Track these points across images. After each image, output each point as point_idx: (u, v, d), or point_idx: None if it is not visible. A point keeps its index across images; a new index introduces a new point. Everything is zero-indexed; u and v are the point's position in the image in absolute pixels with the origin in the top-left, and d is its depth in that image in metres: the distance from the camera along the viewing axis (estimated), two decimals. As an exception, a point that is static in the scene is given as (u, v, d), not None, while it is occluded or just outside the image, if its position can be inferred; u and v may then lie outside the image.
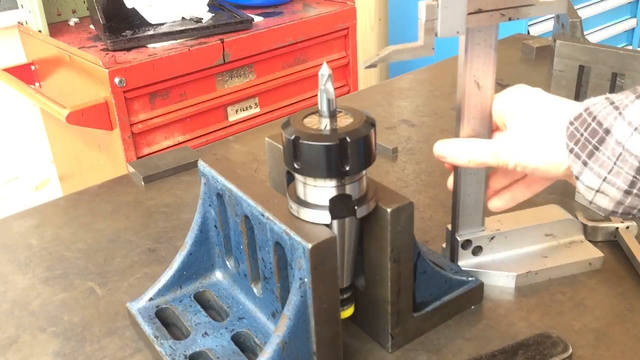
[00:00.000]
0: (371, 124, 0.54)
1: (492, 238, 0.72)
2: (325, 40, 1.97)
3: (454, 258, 0.72)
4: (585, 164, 0.53)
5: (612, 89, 0.92)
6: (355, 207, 0.55)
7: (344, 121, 0.54)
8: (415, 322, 0.63)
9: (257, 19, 1.86)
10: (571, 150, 0.54)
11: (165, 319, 0.66)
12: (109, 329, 0.68)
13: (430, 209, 0.86)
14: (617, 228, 0.76)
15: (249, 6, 2.01)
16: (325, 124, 0.54)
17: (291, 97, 1.95)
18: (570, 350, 0.59)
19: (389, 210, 0.56)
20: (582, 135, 0.53)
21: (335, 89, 0.54)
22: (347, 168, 0.53)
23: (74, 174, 2.09)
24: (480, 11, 0.58)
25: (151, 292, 0.67)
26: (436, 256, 0.72)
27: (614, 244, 0.76)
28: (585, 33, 1.24)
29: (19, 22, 1.90)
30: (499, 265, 0.72)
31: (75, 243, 0.84)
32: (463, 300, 0.67)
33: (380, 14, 2.85)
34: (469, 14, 0.57)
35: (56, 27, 1.90)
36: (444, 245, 0.75)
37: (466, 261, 0.72)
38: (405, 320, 0.62)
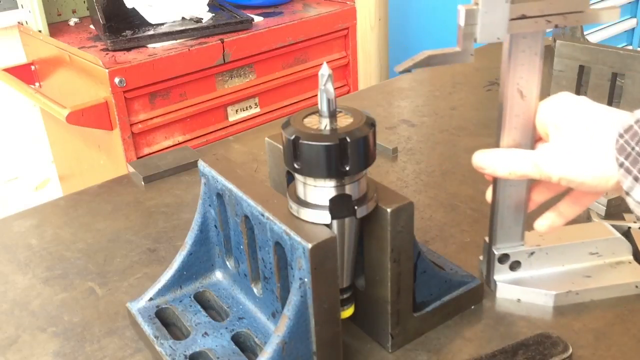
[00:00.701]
0: (371, 124, 0.54)
1: (531, 254, 0.69)
2: (325, 40, 1.97)
3: (490, 272, 0.69)
4: (636, 179, 0.50)
5: (612, 89, 0.92)
6: (355, 207, 0.55)
7: (344, 121, 0.54)
8: (415, 322, 0.63)
9: (257, 19, 1.86)
10: (621, 165, 0.51)
11: (165, 319, 0.66)
12: (109, 329, 0.68)
13: (430, 209, 0.86)
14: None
15: (249, 6, 2.01)
16: (325, 124, 0.54)
17: (291, 97, 1.95)
18: (570, 350, 0.59)
19: (389, 210, 0.56)
20: (633, 149, 0.50)
21: (335, 89, 0.54)
22: (347, 168, 0.52)
23: (74, 174, 2.09)
24: (524, 17, 0.55)
25: (151, 292, 0.67)
26: (436, 256, 0.72)
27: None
28: (585, 33, 1.24)
29: (19, 22, 1.90)
30: (538, 282, 0.68)
31: (75, 243, 0.84)
32: (463, 300, 0.67)
33: (380, 14, 2.85)
34: (512, 19, 0.54)
35: (56, 27, 1.90)
36: (480, 257, 0.73)
37: (503, 276, 0.69)
38: (405, 320, 0.62)
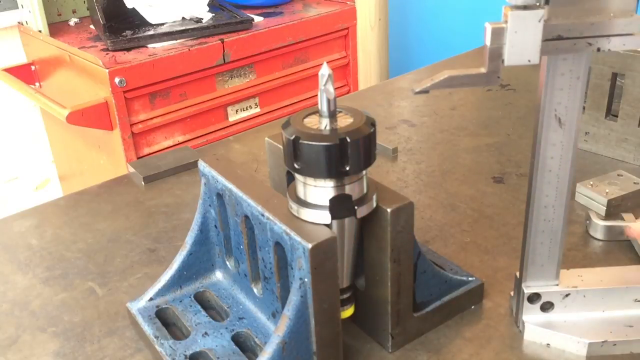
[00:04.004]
0: (371, 124, 0.54)
1: (567, 295, 0.62)
2: (325, 40, 1.98)
3: (518, 310, 0.64)
4: None
5: (612, 89, 0.92)
6: (356, 207, 0.55)
7: (344, 121, 0.54)
8: (415, 322, 0.63)
9: (257, 19, 1.86)
10: None
11: (165, 319, 0.66)
12: (109, 329, 0.68)
13: (430, 209, 0.86)
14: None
15: (249, 6, 2.01)
16: (325, 124, 0.54)
17: (291, 97, 1.95)
18: None
19: (389, 210, 0.56)
20: None
21: (335, 89, 0.54)
22: (347, 168, 0.52)
23: (74, 174, 2.09)
24: (560, 38, 0.49)
25: (151, 292, 0.67)
26: (436, 256, 0.72)
27: (626, 244, 0.75)
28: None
29: (19, 22, 1.90)
30: (571, 327, 0.62)
31: (75, 243, 0.84)
32: (463, 300, 0.67)
33: (380, 14, 2.85)
34: (546, 40, 0.49)
35: (56, 27, 1.90)
36: (511, 293, 0.67)
37: (532, 317, 0.63)
38: (405, 320, 0.62)
